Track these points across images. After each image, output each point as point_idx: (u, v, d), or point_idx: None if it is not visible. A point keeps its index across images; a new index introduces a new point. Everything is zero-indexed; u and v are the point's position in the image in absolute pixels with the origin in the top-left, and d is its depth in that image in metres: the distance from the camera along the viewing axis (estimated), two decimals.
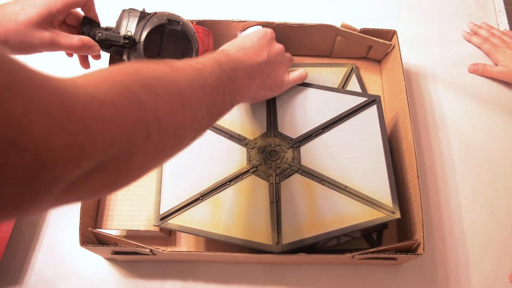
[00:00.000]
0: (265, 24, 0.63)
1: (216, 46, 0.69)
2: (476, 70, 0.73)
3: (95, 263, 0.57)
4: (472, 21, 0.77)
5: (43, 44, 0.48)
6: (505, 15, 0.78)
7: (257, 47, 0.50)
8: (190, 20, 0.63)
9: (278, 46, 0.54)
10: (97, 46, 0.53)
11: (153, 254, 0.51)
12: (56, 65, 0.68)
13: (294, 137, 0.56)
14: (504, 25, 0.77)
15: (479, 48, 0.75)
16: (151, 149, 0.29)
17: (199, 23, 0.63)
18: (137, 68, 0.31)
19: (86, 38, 0.52)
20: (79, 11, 0.55)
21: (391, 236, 0.59)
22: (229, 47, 0.48)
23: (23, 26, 0.46)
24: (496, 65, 0.72)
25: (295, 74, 0.57)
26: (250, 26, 0.64)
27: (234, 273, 0.57)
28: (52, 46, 0.49)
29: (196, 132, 0.36)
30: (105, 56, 0.60)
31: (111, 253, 0.52)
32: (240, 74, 0.44)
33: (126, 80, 0.28)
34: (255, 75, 0.49)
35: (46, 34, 0.48)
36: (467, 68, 0.72)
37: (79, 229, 0.50)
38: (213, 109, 0.38)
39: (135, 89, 0.28)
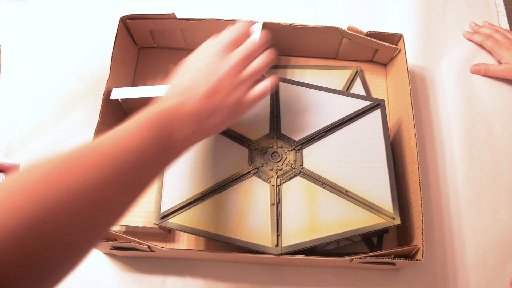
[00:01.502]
0: (271, 25, 0.63)
1: None
2: (478, 71, 0.72)
3: (94, 257, 0.57)
4: (474, 21, 0.76)
5: None
6: (505, 15, 0.78)
7: (206, 81, 0.42)
8: (193, 19, 0.63)
9: (233, 60, 0.44)
10: None
11: (152, 251, 0.51)
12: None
13: (296, 139, 0.55)
14: (504, 25, 0.77)
15: (481, 45, 0.74)
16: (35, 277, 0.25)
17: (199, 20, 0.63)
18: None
19: None
20: None
21: (392, 241, 0.59)
22: (171, 94, 0.42)
23: None
24: (500, 63, 0.72)
25: (257, 90, 0.47)
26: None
27: (233, 272, 0.57)
28: None
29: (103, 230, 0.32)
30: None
31: (110, 248, 0.52)
32: (178, 132, 0.39)
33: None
34: (202, 118, 0.42)
35: None
36: (470, 72, 0.72)
37: None
38: (129, 196, 0.33)
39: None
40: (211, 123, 0.43)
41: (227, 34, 0.46)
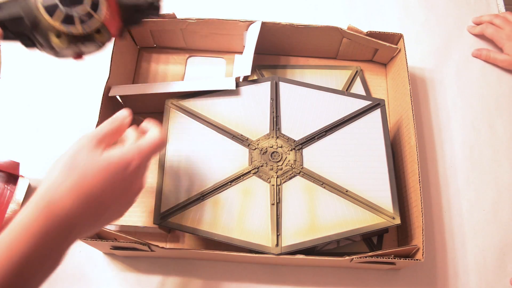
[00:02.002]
0: (271, 25, 0.63)
1: (222, 46, 0.69)
2: (480, 55, 0.72)
3: (94, 257, 0.57)
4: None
5: None
6: None
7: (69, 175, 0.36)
8: (193, 19, 0.63)
9: (116, 157, 0.38)
10: None
11: (152, 251, 0.51)
12: None
13: (296, 139, 0.55)
14: None
15: (482, 34, 0.74)
16: None
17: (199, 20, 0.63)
18: None
19: None
20: None
21: (392, 241, 0.59)
22: (36, 199, 0.35)
23: None
24: (502, 50, 0.71)
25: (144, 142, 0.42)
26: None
27: (233, 272, 0.57)
28: None
29: None
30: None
31: (110, 248, 0.52)
32: (42, 246, 0.33)
33: None
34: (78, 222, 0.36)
35: None
36: (472, 71, 0.72)
37: None
38: None
39: None
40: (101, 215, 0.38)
41: (103, 126, 0.42)
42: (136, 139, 0.42)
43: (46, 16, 0.41)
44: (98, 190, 0.37)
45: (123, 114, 0.44)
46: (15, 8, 0.42)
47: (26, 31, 0.43)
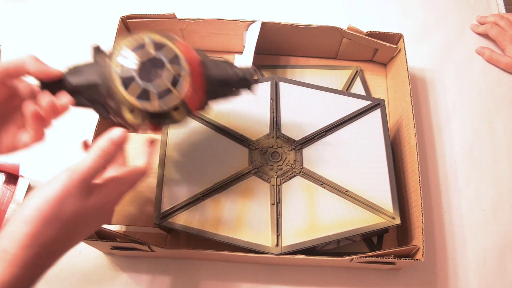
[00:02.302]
0: (271, 25, 0.63)
1: (222, 46, 0.69)
2: (482, 54, 0.72)
3: (94, 257, 0.57)
4: (475, 21, 0.77)
5: None
6: None
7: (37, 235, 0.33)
8: (192, 19, 0.63)
9: (99, 202, 0.36)
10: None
11: (152, 251, 0.51)
12: None
13: (296, 139, 0.55)
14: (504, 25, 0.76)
15: (486, 34, 0.74)
16: None
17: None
18: None
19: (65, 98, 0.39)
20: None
21: (392, 241, 0.59)
22: None
23: None
24: (504, 51, 0.72)
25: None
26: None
27: (234, 272, 0.57)
28: None
29: None
30: None
31: (110, 248, 0.52)
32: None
33: None
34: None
35: None
36: (472, 71, 0.72)
37: None
38: None
39: None
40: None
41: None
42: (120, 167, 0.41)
43: (120, 88, 0.36)
44: (76, 230, 0.35)
45: (116, 141, 0.37)
46: (92, 75, 0.38)
47: (101, 100, 0.38)
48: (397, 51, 0.65)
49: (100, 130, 0.56)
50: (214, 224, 0.51)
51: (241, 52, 0.69)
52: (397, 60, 0.66)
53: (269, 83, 0.59)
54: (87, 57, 0.40)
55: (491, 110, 0.69)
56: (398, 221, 0.51)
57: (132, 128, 0.40)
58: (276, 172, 0.53)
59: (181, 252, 0.53)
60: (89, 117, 0.62)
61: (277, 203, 0.52)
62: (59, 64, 0.71)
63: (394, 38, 0.64)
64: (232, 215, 0.51)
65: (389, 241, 0.59)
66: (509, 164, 0.65)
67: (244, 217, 0.51)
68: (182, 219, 0.51)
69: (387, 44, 0.64)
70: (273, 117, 0.57)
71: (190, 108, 0.39)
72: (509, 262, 0.59)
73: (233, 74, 0.42)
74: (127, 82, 0.37)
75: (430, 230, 0.60)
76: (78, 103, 0.39)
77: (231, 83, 0.42)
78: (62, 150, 0.64)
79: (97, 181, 0.38)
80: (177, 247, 0.57)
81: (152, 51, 0.37)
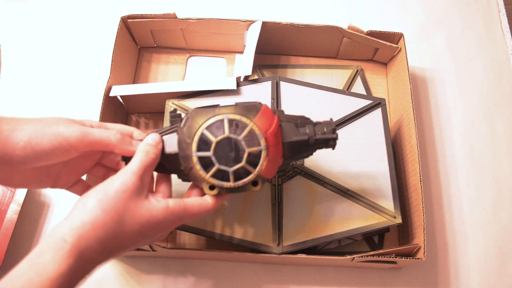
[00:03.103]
0: (271, 24, 0.63)
1: (223, 45, 0.69)
2: None
3: None
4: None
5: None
6: (505, 15, 0.78)
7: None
8: (193, 18, 0.63)
9: (159, 215, 0.36)
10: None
11: (153, 250, 0.51)
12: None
13: None
14: (504, 24, 0.77)
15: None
16: None
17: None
18: None
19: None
20: None
21: (393, 240, 0.59)
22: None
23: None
24: None
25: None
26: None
27: (235, 271, 0.57)
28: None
29: None
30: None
31: None
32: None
33: None
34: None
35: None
36: (472, 70, 0.72)
37: None
38: None
39: None
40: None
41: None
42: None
43: (198, 167, 0.37)
44: (128, 244, 0.35)
45: (155, 142, 0.38)
46: (172, 146, 0.38)
47: (180, 166, 0.39)
48: (398, 51, 0.65)
49: None
50: (216, 224, 0.51)
51: (241, 52, 0.69)
52: (397, 59, 0.66)
53: (270, 82, 0.59)
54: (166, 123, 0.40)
55: (491, 109, 0.69)
56: (399, 220, 0.51)
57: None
58: (277, 172, 0.53)
59: (183, 251, 0.53)
60: (91, 117, 0.62)
61: (278, 203, 0.52)
62: (59, 64, 0.71)
63: (395, 38, 0.65)
64: (234, 215, 0.51)
65: (390, 240, 0.59)
66: (510, 163, 0.65)
67: (246, 217, 0.51)
68: None
69: (388, 43, 0.64)
70: None
71: (267, 178, 0.39)
72: (509, 261, 0.59)
73: (311, 135, 0.40)
74: (205, 163, 0.37)
75: (431, 229, 0.60)
76: (159, 169, 0.40)
77: (310, 145, 0.41)
78: None
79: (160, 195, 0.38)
80: (179, 246, 0.57)
81: (227, 130, 0.37)
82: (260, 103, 0.39)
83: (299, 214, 0.51)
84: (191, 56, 0.71)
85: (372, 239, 0.57)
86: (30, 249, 0.57)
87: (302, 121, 0.41)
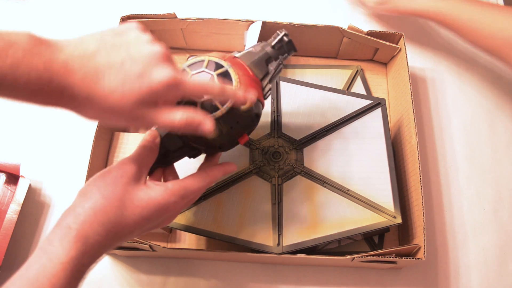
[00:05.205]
0: (271, 24, 0.63)
1: (223, 45, 0.69)
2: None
3: None
4: None
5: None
6: None
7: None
8: (193, 18, 0.63)
9: (159, 199, 0.36)
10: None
11: (153, 250, 0.51)
12: None
13: (297, 139, 0.55)
14: None
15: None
16: None
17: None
18: None
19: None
20: None
21: (393, 240, 0.59)
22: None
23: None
24: None
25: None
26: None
27: (235, 271, 0.57)
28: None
29: None
30: None
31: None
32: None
33: None
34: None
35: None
36: (472, 70, 0.72)
37: None
38: None
39: None
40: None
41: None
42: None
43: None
44: (132, 229, 0.36)
45: (152, 136, 0.40)
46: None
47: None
48: (398, 51, 0.65)
49: (100, 129, 0.56)
50: (216, 224, 0.51)
51: None
52: (397, 59, 0.66)
53: None
54: None
55: (491, 109, 0.69)
56: (399, 220, 0.51)
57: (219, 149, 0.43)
58: (277, 172, 0.54)
59: (183, 251, 0.53)
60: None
61: (278, 203, 0.52)
62: None
63: (395, 38, 0.65)
64: (234, 215, 0.51)
65: (390, 240, 0.59)
66: (510, 163, 0.65)
67: (245, 217, 0.51)
68: (183, 219, 0.51)
69: (388, 43, 0.64)
70: (274, 117, 0.57)
71: (254, 97, 0.40)
72: (510, 261, 0.59)
73: (266, 46, 0.46)
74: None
75: (431, 229, 0.60)
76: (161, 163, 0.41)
77: (272, 55, 0.46)
78: (62, 150, 0.64)
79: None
80: (179, 247, 0.57)
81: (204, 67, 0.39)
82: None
83: (299, 214, 0.51)
84: (191, 56, 0.71)
85: (372, 239, 0.57)
86: (30, 248, 0.57)
87: (255, 47, 0.46)
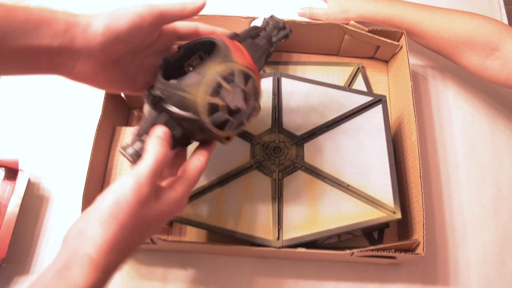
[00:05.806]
0: None
1: None
2: (304, 14, 0.73)
3: None
4: None
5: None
6: (505, 15, 0.78)
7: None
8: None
9: (159, 212, 0.37)
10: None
11: (154, 243, 0.52)
12: None
13: (298, 134, 0.56)
14: None
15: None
16: None
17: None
18: None
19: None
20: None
21: (392, 235, 0.59)
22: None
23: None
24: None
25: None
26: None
27: (235, 265, 0.57)
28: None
29: None
30: None
31: None
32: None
33: None
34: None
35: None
36: None
37: None
38: None
39: None
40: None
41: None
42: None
43: (214, 129, 0.39)
44: (145, 238, 0.38)
45: (164, 137, 0.39)
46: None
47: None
48: (399, 48, 0.65)
49: (102, 125, 0.56)
50: (216, 218, 0.51)
51: None
52: (398, 57, 0.66)
53: (271, 78, 0.59)
54: None
55: (492, 106, 0.69)
56: (399, 215, 0.51)
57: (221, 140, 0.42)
58: (278, 167, 0.54)
59: (183, 245, 0.53)
60: (92, 112, 0.63)
61: (278, 197, 0.52)
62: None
63: (396, 35, 0.65)
64: (234, 209, 0.51)
65: (390, 235, 0.59)
66: (510, 161, 0.65)
67: (246, 211, 0.51)
68: (184, 212, 0.51)
69: (389, 41, 0.65)
70: (275, 112, 0.57)
71: (251, 67, 0.41)
72: (509, 258, 0.59)
73: (268, 41, 0.46)
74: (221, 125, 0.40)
75: (431, 225, 0.60)
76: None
77: (271, 47, 0.47)
78: (61, 144, 0.64)
79: (163, 183, 0.39)
80: (179, 240, 0.58)
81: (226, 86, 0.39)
82: (220, 40, 0.42)
83: (299, 209, 0.52)
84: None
85: (372, 235, 0.58)
86: (32, 240, 0.58)
87: (254, 32, 0.46)
